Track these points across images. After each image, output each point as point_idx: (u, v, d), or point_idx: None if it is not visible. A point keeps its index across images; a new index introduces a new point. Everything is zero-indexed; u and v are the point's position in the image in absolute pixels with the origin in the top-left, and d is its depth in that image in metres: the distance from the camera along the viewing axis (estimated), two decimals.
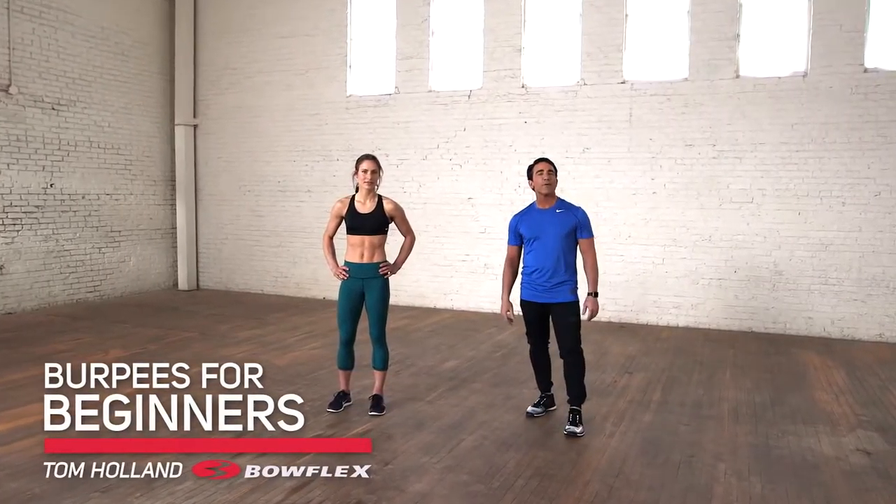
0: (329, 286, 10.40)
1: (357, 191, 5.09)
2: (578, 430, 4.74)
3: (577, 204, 5.02)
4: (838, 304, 8.07)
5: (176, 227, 11.49)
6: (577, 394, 4.90)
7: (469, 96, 9.67)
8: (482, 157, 9.62)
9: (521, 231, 4.96)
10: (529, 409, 5.16)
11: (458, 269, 9.85)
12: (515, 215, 5.08)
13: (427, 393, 5.69)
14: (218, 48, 11.18)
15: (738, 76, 8.37)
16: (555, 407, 5.25)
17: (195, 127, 11.42)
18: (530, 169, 4.95)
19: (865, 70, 7.85)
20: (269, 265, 11.10)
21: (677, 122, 8.63)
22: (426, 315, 9.30)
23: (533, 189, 4.95)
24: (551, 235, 4.81)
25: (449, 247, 9.83)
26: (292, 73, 10.69)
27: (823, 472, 4.14)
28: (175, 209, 11.47)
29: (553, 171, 4.89)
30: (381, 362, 5.18)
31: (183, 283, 11.41)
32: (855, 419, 5.14)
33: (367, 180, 4.96)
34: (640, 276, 8.92)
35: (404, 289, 9.67)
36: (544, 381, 5.21)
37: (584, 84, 9.05)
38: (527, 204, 5.07)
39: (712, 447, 4.51)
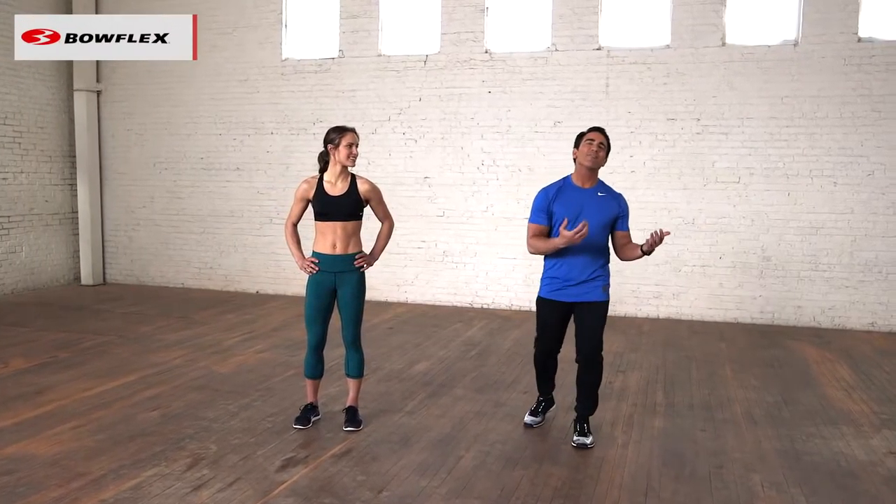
0: (263, 279, 9.95)
1: (325, 169, 4.73)
2: (589, 440, 4.58)
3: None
4: (829, 291, 8.25)
5: (77, 212, 10.75)
6: (590, 404, 4.73)
7: (425, 62, 9.34)
8: (440, 130, 9.34)
9: (555, 209, 4.50)
10: (527, 419, 4.95)
11: (412, 257, 9.57)
12: (544, 189, 4.62)
13: (404, 402, 5.42)
14: None
15: (724, 44, 8.37)
16: (554, 406, 5.06)
17: (98, 93, 10.68)
18: (580, 137, 4.56)
19: (859, 39, 7.99)
20: (191, 255, 10.51)
21: (658, 94, 8.58)
22: (379, 309, 8.98)
23: (574, 160, 4.57)
24: (592, 222, 4.36)
25: (402, 232, 9.46)
26: (217, 31, 10.07)
27: (863, 479, 4.11)
28: (76, 190, 10.71)
29: (605, 145, 4.49)
30: (357, 369, 4.88)
31: (87, 277, 10.69)
32: (876, 418, 5.19)
33: (353, 155, 4.61)
34: (616, 264, 8.70)
35: None
36: (546, 385, 5.00)
37: (556, 50, 8.88)
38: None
39: (738, 455, 4.43)
